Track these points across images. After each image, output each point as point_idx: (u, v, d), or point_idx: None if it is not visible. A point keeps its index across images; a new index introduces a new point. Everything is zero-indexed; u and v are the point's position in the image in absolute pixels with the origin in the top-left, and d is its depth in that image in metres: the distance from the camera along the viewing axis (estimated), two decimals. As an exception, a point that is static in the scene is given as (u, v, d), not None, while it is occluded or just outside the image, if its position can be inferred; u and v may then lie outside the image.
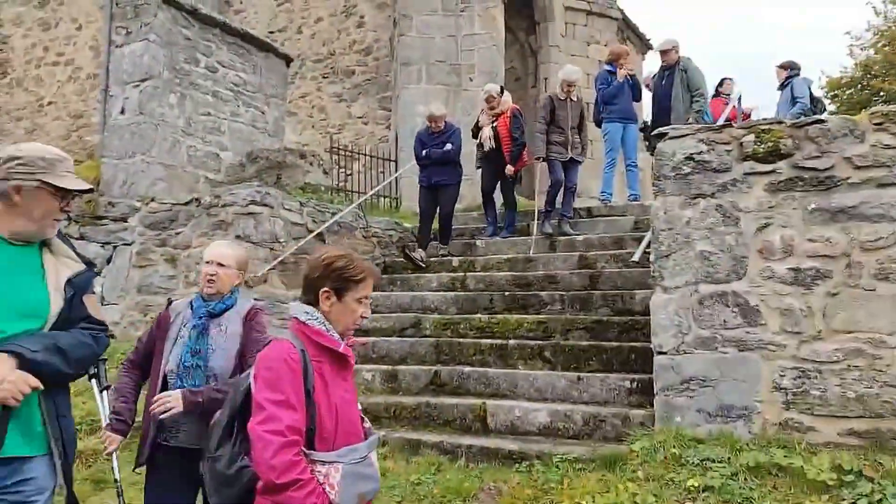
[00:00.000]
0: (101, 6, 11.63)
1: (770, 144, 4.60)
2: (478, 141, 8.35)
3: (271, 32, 13.49)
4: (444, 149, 7.78)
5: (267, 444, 1.96)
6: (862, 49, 23.03)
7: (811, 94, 9.24)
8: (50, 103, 15.78)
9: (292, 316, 2.24)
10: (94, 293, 2.43)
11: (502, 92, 8.25)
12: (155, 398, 2.83)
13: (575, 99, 8.30)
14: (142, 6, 7.40)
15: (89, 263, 2.42)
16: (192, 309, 3.04)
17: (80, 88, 15.60)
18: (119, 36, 7.61)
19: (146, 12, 7.41)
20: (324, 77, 13.59)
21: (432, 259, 8.03)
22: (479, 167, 8.58)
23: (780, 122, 4.72)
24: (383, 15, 13.04)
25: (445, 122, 7.97)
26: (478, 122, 8.44)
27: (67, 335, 2.22)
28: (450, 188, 7.92)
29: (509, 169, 8.08)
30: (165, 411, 2.78)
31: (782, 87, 9.27)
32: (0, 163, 2.19)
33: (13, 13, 16.13)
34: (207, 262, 3.04)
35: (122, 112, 7.38)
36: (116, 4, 7.52)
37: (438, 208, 7.99)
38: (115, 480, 3.13)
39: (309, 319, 2.20)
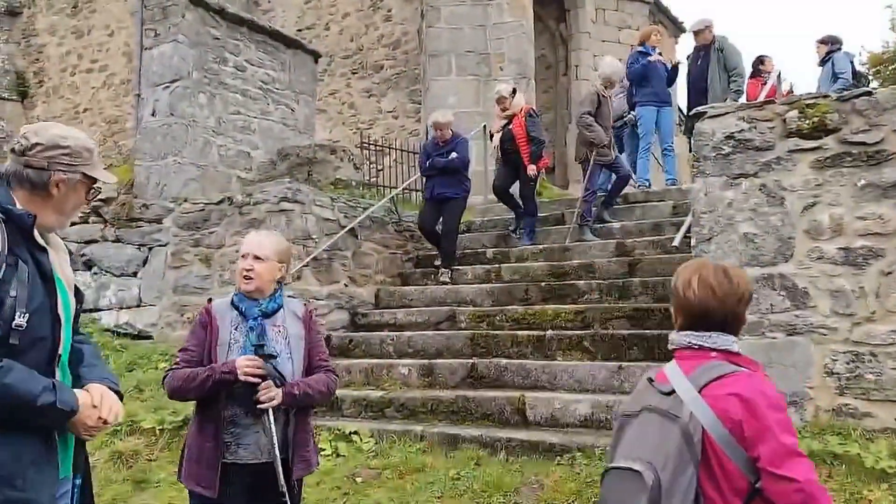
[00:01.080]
0: (133, 12, 11.75)
1: (815, 120, 4.40)
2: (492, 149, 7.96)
3: (299, 30, 13.50)
4: (449, 158, 7.21)
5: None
6: (904, 22, 22.29)
7: (853, 68, 8.91)
8: (86, 110, 16.05)
9: (721, 348, 1.93)
10: None
11: (514, 93, 7.83)
12: (262, 386, 2.56)
13: (612, 97, 8.15)
14: (169, 7, 7.42)
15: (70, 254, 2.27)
16: (238, 310, 2.76)
17: (115, 94, 15.84)
18: (148, 38, 7.65)
19: (174, 13, 7.43)
20: (353, 73, 13.56)
21: (467, 251, 7.92)
22: (494, 169, 8.17)
23: (825, 97, 4.53)
24: (411, 7, 12.95)
25: (452, 130, 7.41)
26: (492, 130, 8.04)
27: (100, 359, 2.21)
28: (454, 201, 7.29)
29: (532, 168, 7.50)
30: (269, 400, 2.58)
31: (823, 62, 8.94)
32: (40, 149, 1.97)
33: (47, 23, 16.42)
34: (243, 256, 2.78)
35: (153, 114, 7.42)
36: (145, 7, 7.54)
37: (441, 223, 7.36)
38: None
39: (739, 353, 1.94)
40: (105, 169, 2.24)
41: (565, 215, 8.28)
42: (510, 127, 7.60)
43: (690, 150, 9.27)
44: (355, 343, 6.60)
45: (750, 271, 4.47)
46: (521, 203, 7.88)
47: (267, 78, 8.28)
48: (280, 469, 2.57)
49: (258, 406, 2.59)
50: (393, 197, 8.15)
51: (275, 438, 2.60)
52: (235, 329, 2.74)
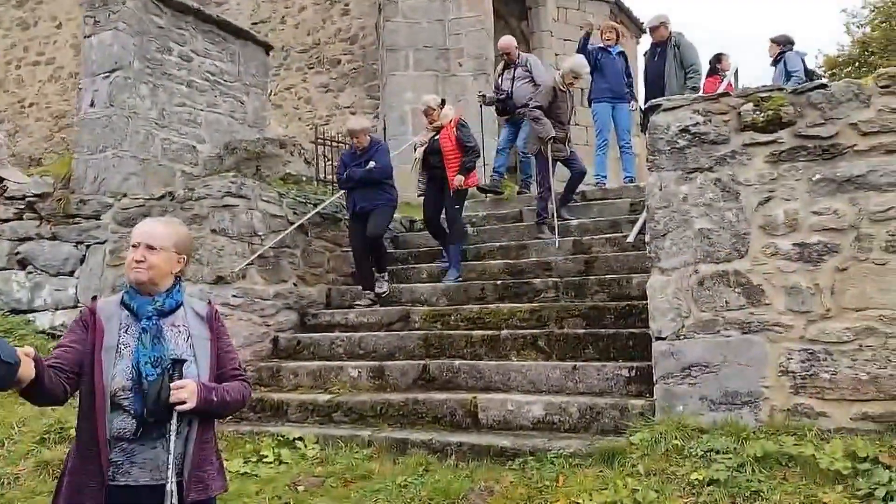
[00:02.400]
0: (81, 2, 11.31)
1: (770, 113, 4.30)
2: (413, 163, 7.21)
3: (255, 24, 13.17)
4: (367, 168, 6.56)
5: None
6: (859, 27, 22.74)
7: (806, 67, 8.94)
8: (32, 104, 15.49)
9: None
10: None
11: (443, 104, 7.11)
12: (174, 384, 2.23)
13: (573, 91, 7.96)
14: (110, -6, 7.09)
15: None
16: (129, 309, 2.38)
17: (62, 88, 15.32)
18: (87, 26, 7.30)
19: (114, 0, 7.09)
20: (309, 67, 13.28)
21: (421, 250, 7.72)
22: (420, 195, 7.35)
23: (780, 90, 4.44)
24: (368, 1, 12.72)
25: (371, 137, 6.81)
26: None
27: None
28: (378, 211, 6.61)
29: (459, 180, 6.79)
30: (181, 402, 2.22)
31: (775, 62, 8.97)
32: None
33: (-9, 13, 15.79)
34: (134, 246, 2.40)
35: (92, 105, 7.08)
36: (84, -7, 7.19)
37: (367, 230, 6.61)
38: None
39: None
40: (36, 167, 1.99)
41: (523, 213, 8.14)
42: (437, 138, 6.94)
43: (647, 147, 9.25)
44: (304, 345, 6.36)
45: (705, 268, 4.37)
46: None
47: (215, 69, 7.97)
48: (173, 491, 2.20)
49: (175, 408, 2.22)
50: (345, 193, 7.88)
51: (171, 455, 2.23)
52: (125, 332, 2.34)
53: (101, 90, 7.05)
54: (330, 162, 10.53)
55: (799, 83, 8.21)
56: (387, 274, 6.92)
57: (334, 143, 10.77)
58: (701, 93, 8.29)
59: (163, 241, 2.42)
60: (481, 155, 7.57)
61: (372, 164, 6.58)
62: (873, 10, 22.17)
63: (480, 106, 9.49)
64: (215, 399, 2.34)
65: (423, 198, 7.30)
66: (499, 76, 9.00)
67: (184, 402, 2.24)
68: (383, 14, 11.53)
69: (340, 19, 13.09)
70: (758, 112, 4.34)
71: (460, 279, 6.76)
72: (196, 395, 2.26)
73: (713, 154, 4.43)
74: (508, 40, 8.84)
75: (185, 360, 2.32)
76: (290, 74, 13.42)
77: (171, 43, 7.53)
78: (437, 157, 6.91)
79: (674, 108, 4.57)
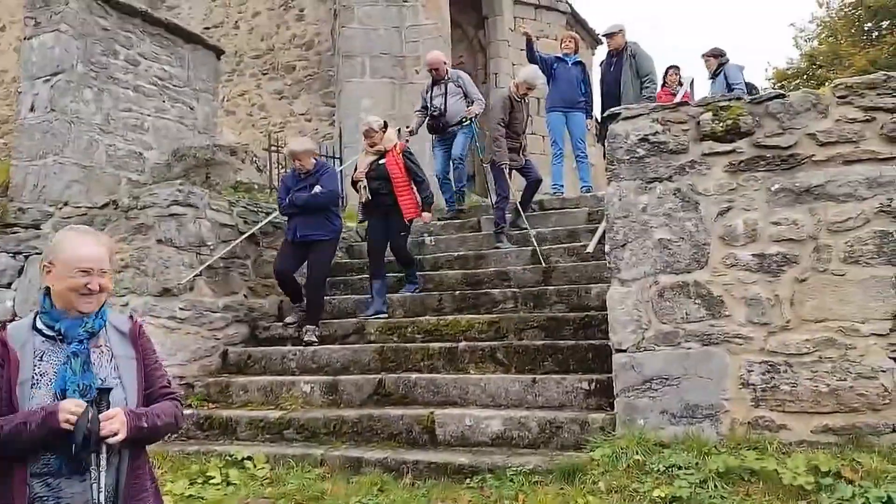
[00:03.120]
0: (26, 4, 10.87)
1: (729, 122, 4.27)
2: (357, 189, 6.62)
3: (207, 28, 12.85)
4: (311, 192, 6.12)
5: None
6: (807, 41, 23.32)
7: (745, 80, 9.03)
8: (-28, 108, 14.88)
9: None
10: None
11: (385, 127, 6.65)
12: (102, 415, 2.01)
13: (527, 101, 7.91)
14: (51, -6, 6.78)
15: None
16: (44, 334, 2.12)
17: (6, 92, 14.75)
18: (28, 27, 6.98)
19: (56, 1, 6.79)
20: (263, 73, 13.01)
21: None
22: (361, 220, 6.98)
23: (738, 99, 4.42)
24: (324, 7, 12.52)
25: (316, 159, 6.39)
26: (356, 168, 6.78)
27: None
28: (321, 245, 6.20)
29: (426, 217, 6.70)
30: (112, 435, 2.00)
31: (714, 75, 9.04)
32: None
33: (-72, 14, 15.16)
34: (83, 271, 2.12)
35: (32, 109, 6.75)
36: (25, -7, 6.88)
37: (307, 271, 6.25)
38: None
39: None
40: None
41: (481, 222, 8.03)
42: (382, 163, 6.46)
43: (605, 157, 9.26)
44: (254, 359, 6.14)
45: (665, 278, 4.31)
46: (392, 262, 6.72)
47: (163, 74, 7.70)
48: None
49: (105, 442, 2.00)
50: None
51: (103, 492, 2.03)
52: (40, 359, 2.08)
53: (41, 94, 6.73)
54: (284, 169, 10.32)
55: (742, 96, 8.33)
56: (318, 327, 6.21)
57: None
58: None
59: (109, 263, 2.21)
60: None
61: (317, 188, 6.15)
62: (820, 25, 22.78)
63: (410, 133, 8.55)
64: (146, 426, 2.13)
65: (367, 228, 6.85)
66: (426, 92, 8.35)
67: (115, 434, 2.03)
68: (339, 20, 11.36)
69: (295, 25, 12.87)
70: (716, 121, 4.30)
71: (419, 290, 6.63)
72: (126, 424, 2.05)
73: (672, 163, 4.38)
74: (436, 55, 8.29)
75: (110, 388, 2.10)
76: (243, 80, 13.13)
77: (118, 46, 7.24)
78: (384, 183, 6.42)
79: (633, 117, 4.51)
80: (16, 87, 13.97)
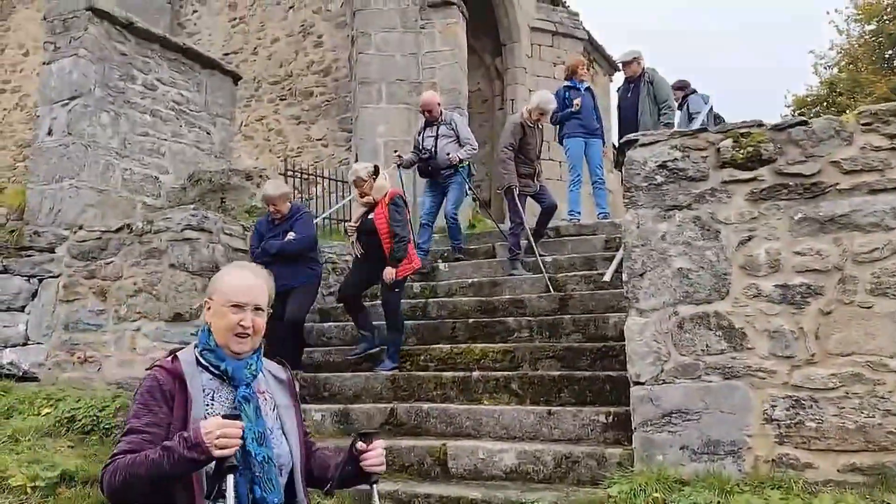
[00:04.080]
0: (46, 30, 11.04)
1: (750, 149, 4.17)
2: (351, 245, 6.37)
3: (226, 54, 12.98)
4: (285, 239, 5.87)
5: None
6: (826, 68, 23.20)
7: (712, 110, 8.98)
8: (-5, 132, 15.10)
9: None
10: None
11: (376, 172, 6.16)
12: (369, 445, 2.03)
13: (541, 126, 7.83)
14: (71, 20, 6.85)
15: None
16: (213, 373, 1.98)
17: (27, 116, 14.93)
18: (47, 52, 7.05)
19: (76, 26, 6.86)
20: (281, 99, 13.09)
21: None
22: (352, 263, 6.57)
23: (760, 125, 4.30)
24: (342, 34, 12.61)
25: (291, 203, 6.09)
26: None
27: None
28: (298, 291, 5.86)
29: (388, 273, 5.84)
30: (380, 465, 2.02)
31: (679, 107, 9.03)
32: None
33: (-45, 40, 15.45)
34: (237, 306, 1.99)
35: (50, 133, 6.80)
36: (45, 19, 6.96)
37: (285, 318, 5.72)
38: None
39: None
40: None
41: (495, 248, 7.96)
42: (371, 217, 6.01)
43: (623, 183, 9.18)
44: (266, 385, 6.05)
45: (685, 309, 4.19)
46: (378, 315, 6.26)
47: (180, 98, 7.74)
48: None
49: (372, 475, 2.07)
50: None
51: None
52: (211, 399, 1.95)
53: (59, 118, 6.78)
54: (301, 194, 10.33)
55: (703, 124, 8.27)
56: (299, 379, 5.70)
57: (305, 175, 10.57)
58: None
59: (266, 299, 2.07)
60: (410, 232, 6.25)
61: (291, 234, 5.87)
62: (840, 52, 22.66)
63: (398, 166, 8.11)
64: None
65: (350, 267, 6.21)
66: (419, 134, 7.96)
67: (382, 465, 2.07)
68: (356, 46, 11.42)
69: (313, 51, 12.96)
70: (737, 148, 4.20)
71: (395, 369, 5.87)
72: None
73: (692, 191, 4.28)
74: (430, 96, 7.92)
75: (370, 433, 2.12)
76: (261, 106, 13.22)
77: (135, 71, 7.29)
78: (373, 237, 5.97)
79: (651, 144, 4.42)
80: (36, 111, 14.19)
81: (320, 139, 12.73)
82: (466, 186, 7.95)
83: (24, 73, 15.27)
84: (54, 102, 6.87)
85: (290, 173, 10.21)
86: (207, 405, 1.92)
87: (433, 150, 7.67)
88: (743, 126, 4.34)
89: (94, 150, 6.82)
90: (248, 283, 2.05)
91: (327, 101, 12.77)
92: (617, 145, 9.06)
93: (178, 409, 1.87)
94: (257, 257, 5.80)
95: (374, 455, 2.02)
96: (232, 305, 1.99)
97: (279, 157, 12.45)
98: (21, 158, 14.83)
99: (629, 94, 8.54)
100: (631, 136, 4.65)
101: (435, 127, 7.75)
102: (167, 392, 1.89)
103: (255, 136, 13.17)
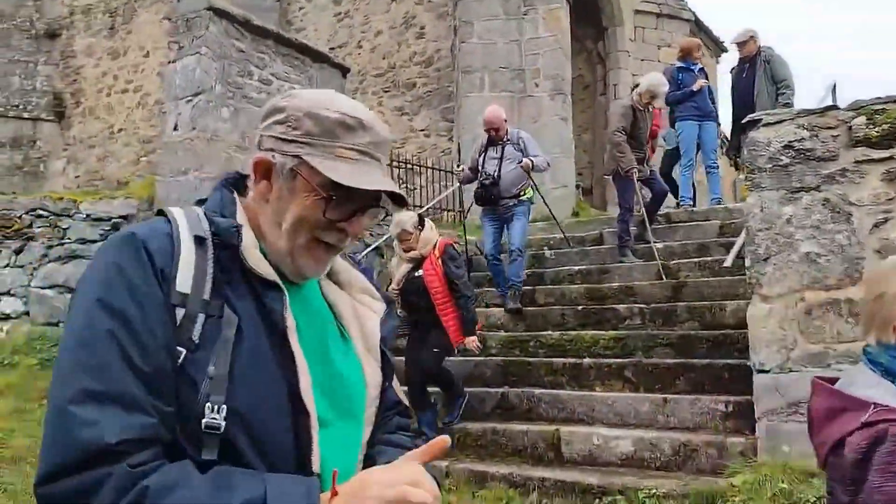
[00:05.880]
0: (167, 30, 11.70)
1: (885, 127, 3.94)
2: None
3: (332, 48, 13.32)
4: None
5: None
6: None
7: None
8: (120, 130, 16.09)
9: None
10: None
11: (422, 224, 5.28)
12: None
13: (651, 109, 7.48)
14: (193, 20, 7.22)
15: (388, 300, 1.31)
16: None
17: (149, 114, 15.86)
18: (172, 51, 7.45)
19: (198, 26, 7.22)
20: (385, 91, 13.33)
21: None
22: (401, 335, 5.41)
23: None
24: (444, 24, 12.70)
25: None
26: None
27: None
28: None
29: (471, 343, 5.15)
30: None
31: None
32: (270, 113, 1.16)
33: (84, 44, 16.57)
34: None
35: (175, 128, 7.20)
36: (169, 20, 7.35)
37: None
38: None
39: None
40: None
41: (603, 235, 7.85)
42: (419, 274, 5.16)
43: (737, 168, 8.82)
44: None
45: (812, 295, 4.01)
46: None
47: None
48: None
49: None
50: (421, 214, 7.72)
51: None
52: None
53: (183, 114, 7.16)
54: (405, 185, 10.50)
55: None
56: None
57: (409, 166, 10.74)
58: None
59: None
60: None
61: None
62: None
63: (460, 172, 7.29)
64: None
65: (405, 345, 5.38)
66: (480, 154, 6.68)
67: None
68: (458, 36, 11.47)
69: (416, 42, 13.12)
70: (871, 126, 3.98)
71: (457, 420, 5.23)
72: None
73: (820, 172, 4.09)
74: (496, 112, 6.63)
75: None
76: (365, 98, 13.49)
77: (252, 67, 7.61)
78: (423, 298, 5.12)
79: (776, 123, 4.25)
80: (159, 109, 15.02)
81: (423, 130, 12.89)
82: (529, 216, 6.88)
83: (145, 73, 16.19)
84: (179, 99, 7.26)
85: (394, 164, 10.40)
86: None
87: (496, 173, 6.43)
88: (877, 102, 4.11)
89: (216, 144, 7.17)
90: None
91: (429, 91, 12.91)
92: (730, 128, 8.74)
93: None
94: None
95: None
96: None
97: (383, 148, 12.69)
98: (143, 154, 15.77)
99: (744, 75, 8.18)
100: (753, 115, 4.49)
101: (499, 147, 6.52)
102: None
103: (360, 128, 13.46)
